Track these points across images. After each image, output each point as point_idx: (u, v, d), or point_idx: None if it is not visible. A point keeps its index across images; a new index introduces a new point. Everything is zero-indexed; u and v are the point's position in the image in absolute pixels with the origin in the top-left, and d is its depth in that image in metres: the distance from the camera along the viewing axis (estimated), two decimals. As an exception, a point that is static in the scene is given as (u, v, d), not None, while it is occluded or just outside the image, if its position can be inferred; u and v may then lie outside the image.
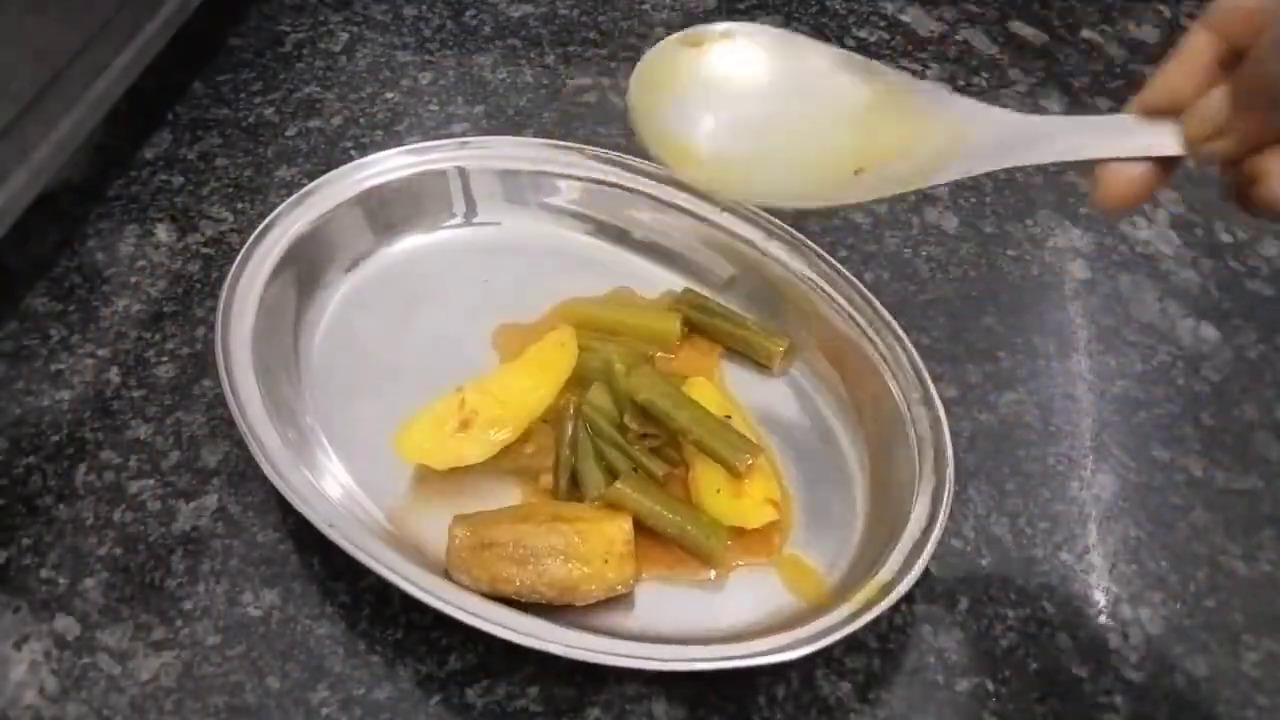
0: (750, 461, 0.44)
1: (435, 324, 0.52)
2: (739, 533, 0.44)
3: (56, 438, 0.47)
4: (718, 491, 0.45)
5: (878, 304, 0.50)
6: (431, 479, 0.46)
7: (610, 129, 0.65)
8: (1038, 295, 0.58)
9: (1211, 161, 0.33)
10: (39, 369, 0.50)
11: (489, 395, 0.46)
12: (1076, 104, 0.69)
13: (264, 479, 0.42)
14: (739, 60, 0.38)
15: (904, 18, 0.77)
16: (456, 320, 0.52)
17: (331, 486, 0.44)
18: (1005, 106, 0.36)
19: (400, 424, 0.45)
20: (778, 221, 0.53)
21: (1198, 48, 0.33)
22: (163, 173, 0.60)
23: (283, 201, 0.52)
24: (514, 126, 0.65)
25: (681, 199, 0.55)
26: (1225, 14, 0.32)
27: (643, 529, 0.43)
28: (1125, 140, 0.34)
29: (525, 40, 0.72)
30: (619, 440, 0.46)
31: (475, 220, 0.57)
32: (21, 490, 0.45)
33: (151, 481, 0.46)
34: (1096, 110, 0.69)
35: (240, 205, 0.59)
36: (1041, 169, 0.64)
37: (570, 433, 0.46)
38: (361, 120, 0.64)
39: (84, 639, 0.41)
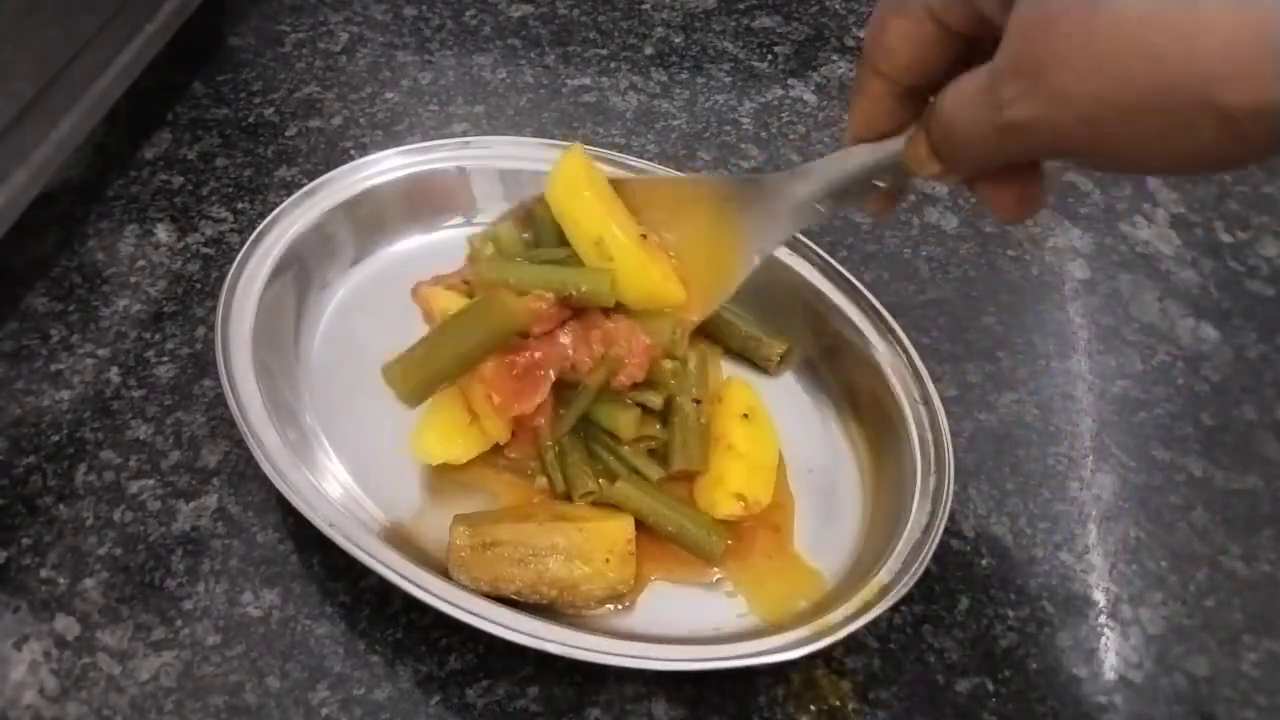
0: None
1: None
2: (739, 533, 0.44)
3: (56, 438, 0.47)
4: (704, 475, 0.45)
5: (878, 304, 0.50)
6: (431, 479, 0.46)
7: (610, 129, 0.65)
8: (1038, 295, 0.58)
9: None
10: (39, 369, 0.50)
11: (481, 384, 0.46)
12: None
13: (264, 479, 0.42)
14: None
15: (904, 18, 0.77)
16: (456, 320, 0.52)
17: (331, 486, 0.44)
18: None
19: (410, 430, 0.45)
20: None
21: (876, 93, 0.36)
22: (163, 173, 0.60)
23: (283, 201, 0.52)
24: (514, 126, 0.65)
25: (681, 199, 0.55)
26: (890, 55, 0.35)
27: (643, 529, 0.43)
28: (871, 155, 0.38)
29: (525, 40, 0.72)
30: (612, 445, 0.46)
31: (475, 220, 0.57)
32: (21, 490, 0.45)
33: (151, 481, 0.46)
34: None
35: (240, 205, 0.59)
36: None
37: (565, 434, 0.46)
38: (361, 120, 0.64)
39: (84, 639, 0.41)
